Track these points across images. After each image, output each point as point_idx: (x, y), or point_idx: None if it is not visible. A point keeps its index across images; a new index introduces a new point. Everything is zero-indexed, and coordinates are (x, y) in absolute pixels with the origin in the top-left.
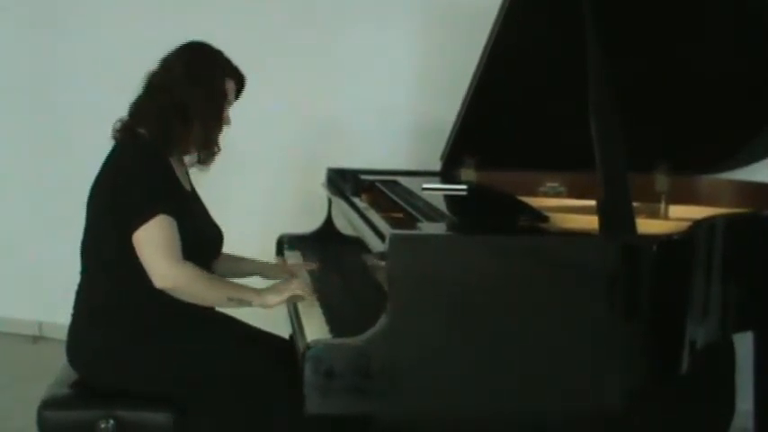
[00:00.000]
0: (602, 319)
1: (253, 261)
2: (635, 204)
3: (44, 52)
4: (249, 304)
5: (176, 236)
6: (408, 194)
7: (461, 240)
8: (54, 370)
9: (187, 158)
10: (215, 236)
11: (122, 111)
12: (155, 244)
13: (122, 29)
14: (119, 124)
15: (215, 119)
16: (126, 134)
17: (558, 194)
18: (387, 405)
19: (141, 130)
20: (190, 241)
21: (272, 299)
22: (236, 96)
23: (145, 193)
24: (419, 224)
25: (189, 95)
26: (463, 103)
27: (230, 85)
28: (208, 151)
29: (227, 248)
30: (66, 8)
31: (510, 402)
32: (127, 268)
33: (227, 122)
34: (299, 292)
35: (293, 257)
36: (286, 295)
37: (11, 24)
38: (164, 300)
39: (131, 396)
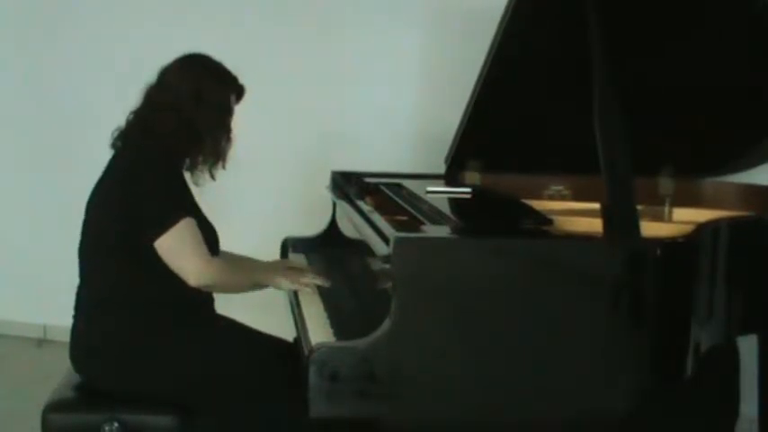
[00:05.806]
0: (607, 322)
1: (256, 261)
2: (639, 207)
3: (44, 56)
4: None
5: (201, 235)
6: (413, 197)
7: (466, 243)
8: (59, 373)
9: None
10: (214, 232)
11: (122, 114)
12: (186, 246)
13: (122, 34)
14: (117, 133)
15: (224, 135)
16: (128, 143)
17: (562, 197)
18: (391, 408)
19: (146, 140)
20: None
21: (285, 284)
22: (236, 103)
23: (168, 200)
24: (423, 227)
25: (197, 115)
26: (467, 106)
27: (233, 98)
28: (217, 166)
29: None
30: (66, 13)
31: (514, 406)
32: (129, 270)
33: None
34: (308, 289)
35: (297, 260)
36: (296, 287)
37: (9, 30)
38: (165, 301)
39: (134, 398)
